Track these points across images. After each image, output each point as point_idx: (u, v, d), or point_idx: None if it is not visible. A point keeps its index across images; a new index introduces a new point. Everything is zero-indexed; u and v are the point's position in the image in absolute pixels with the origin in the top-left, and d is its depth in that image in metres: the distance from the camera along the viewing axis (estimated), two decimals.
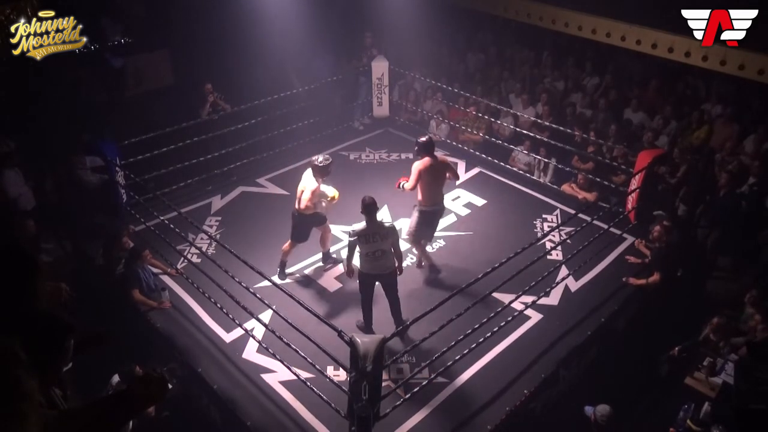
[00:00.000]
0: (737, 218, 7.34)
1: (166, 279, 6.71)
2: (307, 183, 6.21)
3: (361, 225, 5.60)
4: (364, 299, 5.84)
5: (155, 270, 6.65)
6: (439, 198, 6.48)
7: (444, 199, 6.61)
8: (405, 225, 7.60)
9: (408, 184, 6.34)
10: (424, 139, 6.43)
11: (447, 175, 6.48)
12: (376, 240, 5.49)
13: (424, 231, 6.57)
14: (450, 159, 9.15)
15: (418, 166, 6.26)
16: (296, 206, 6.36)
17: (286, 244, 6.64)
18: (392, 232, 5.59)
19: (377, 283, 5.76)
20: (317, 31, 9.72)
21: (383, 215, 7.86)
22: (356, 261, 5.81)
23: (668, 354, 6.24)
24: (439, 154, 6.60)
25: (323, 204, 6.43)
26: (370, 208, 5.53)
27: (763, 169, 7.49)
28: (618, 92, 9.41)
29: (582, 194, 8.08)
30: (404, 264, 6.97)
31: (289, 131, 9.13)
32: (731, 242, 7.48)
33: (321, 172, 6.22)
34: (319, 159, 6.22)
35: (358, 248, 5.61)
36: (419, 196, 6.40)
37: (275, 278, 6.05)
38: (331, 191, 6.46)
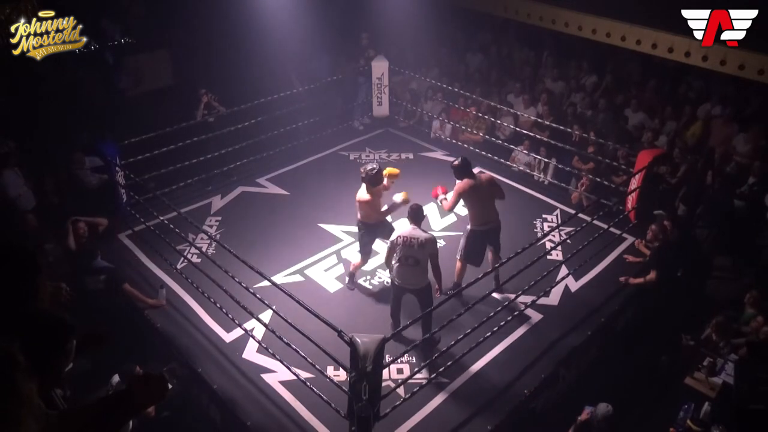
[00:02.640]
0: (737, 218, 7.35)
1: (165, 278, 6.71)
2: (357, 195, 6.12)
3: (402, 228, 5.62)
4: (394, 307, 5.87)
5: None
6: (490, 216, 6.21)
7: (498, 215, 6.28)
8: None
9: (446, 204, 6.16)
10: (457, 162, 6.18)
11: (495, 193, 6.24)
12: (413, 245, 5.47)
13: (473, 251, 6.31)
14: (450, 159, 9.23)
15: (458, 188, 6.08)
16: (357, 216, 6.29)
17: (358, 260, 6.52)
18: (430, 243, 5.51)
19: (409, 294, 5.75)
20: (317, 31, 9.72)
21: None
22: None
23: (679, 342, 6.23)
24: (484, 174, 6.50)
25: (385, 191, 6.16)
26: (416, 215, 5.56)
27: (763, 169, 7.49)
28: (618, 92, 9.41)
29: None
30: None
31: (289, 131, 9.13)
32: (731, 242, 7.49)
33: (370, 182, 6.04)
34: (366, 168, 6.04)
35: (395, 253, 5.59)
36: (470, 218, 6.26)
37: (275, 278, 6.04)
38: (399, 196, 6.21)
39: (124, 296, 6.28)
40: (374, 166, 6.11)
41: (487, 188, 6.19)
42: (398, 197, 6.20)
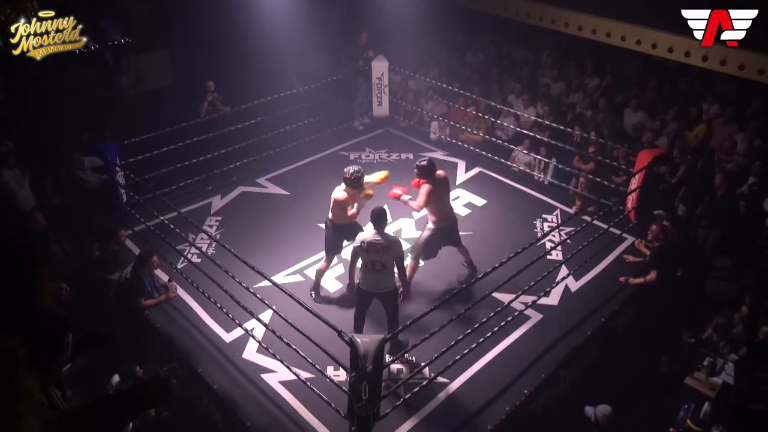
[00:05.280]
0: (736, 218, 7.34)
1: (165, 278, 6.70)
2: (334, 193, 6.09)
3: (365, 233, 5.57)
4: (358, 312, 5.76)
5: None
6: (450, 213, 6.42)
7: (454, 211, 6.53)
8: (405, 230, 7.61)
9: (415, 204, 6.14)
10: (424, 162, 6.18)
11: (449, 190, 6.39)
12: (378, 250, 5.40)
13: (433, 248, 6.39)
14: (450, 159, 9.25)
15: (427, 189, 6.06)
16: (328, 216, 6.23)
17: (322, 263, 6.41)
18: (395, 246, 5.45)
19: (375, 299, 5.68)
20: (317, 31, 9.72)
21: None
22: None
23: (680, 340, 6.24)
24: (440, 172, 6.36)
25: (360, 200, 6.13)
26: (379, 218, 5.45)
27: (764, 168, 7.49)
28: (618, 92, 9.41)
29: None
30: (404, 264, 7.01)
31: (289, 131, 9.13)
32: (731, 242, 7.48)
33: (350, 184, 6.01)
34: (350, 170, 6.02)
35: (360, 258, 5.54)
36: (431, 216, 6.28)
37: (275, 278, 6.04)
38: (378, 175, 6.31)
39: (140, 307, 6.28)
40: (358, 168, 6.05)
41: (445, 186, 6.31)
42: (376, 176, 6.29)
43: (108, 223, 7.02)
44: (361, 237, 5.51)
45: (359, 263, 5.55)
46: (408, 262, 6.35)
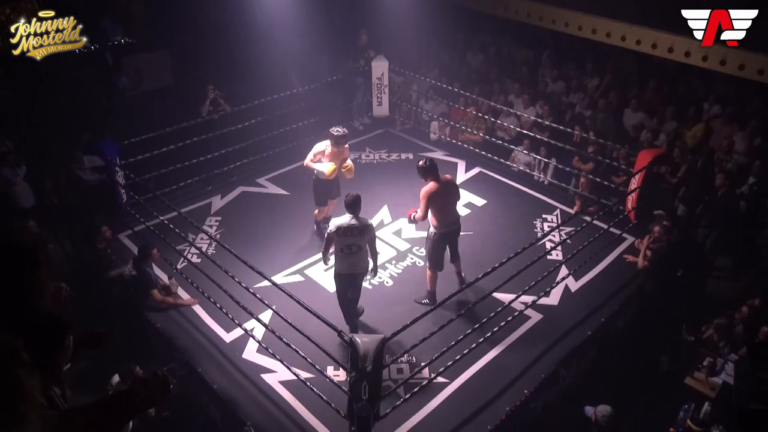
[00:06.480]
0: (737, 219, 7.34)
1: (165, 278, 6.71)
2: (317, 146, 6.91)
3: (340, 219, 5.62)
4: (341, 302, 5.80)
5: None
6: (453, 217, 6.17)
7: (459, 216, 6.32)
8: (405, 230, 7.61)
9: (418, 214, 6.00)
10: (423, 163, 6.03)
11: (456, 193, 6.20)
12: (354, 234, 5.52)
13: (440, 255, 6.21)
14: (450, 159, 9.24)
15: (426, 192, 5.88)
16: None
17: (316, 210, 7.32)
18: (369, 229, 5.62)
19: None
20: (317, 31, 9.72)
21: (383, 216, 7.87)
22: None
23: (679, 338, 6.24)
24: (446, 175, 6.24)
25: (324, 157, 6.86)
26: (353, 205, 5.56)
27: (763, 168, 7.49)
28: (618, 92, 9.42)
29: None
30: (403, 264, 7.01)
31: (289, 131, 9.13)
32: (731, 242, 7.48)
33: (332, 140, 6.77)
34: (336, 129, 6.83)
35: (334, 244, 5.62)
36: (432, 221, 6.04)
37: (275, 278, 6.04)
38: (328, 166, 6.80)
39: (150, 300, 6.28)
40: (343, 129, 6.86)
41: (451, 189, 6.13)
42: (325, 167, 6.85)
43: (91, 222, 7.01)
44: (335, 223, 5.58)
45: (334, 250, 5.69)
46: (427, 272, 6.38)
